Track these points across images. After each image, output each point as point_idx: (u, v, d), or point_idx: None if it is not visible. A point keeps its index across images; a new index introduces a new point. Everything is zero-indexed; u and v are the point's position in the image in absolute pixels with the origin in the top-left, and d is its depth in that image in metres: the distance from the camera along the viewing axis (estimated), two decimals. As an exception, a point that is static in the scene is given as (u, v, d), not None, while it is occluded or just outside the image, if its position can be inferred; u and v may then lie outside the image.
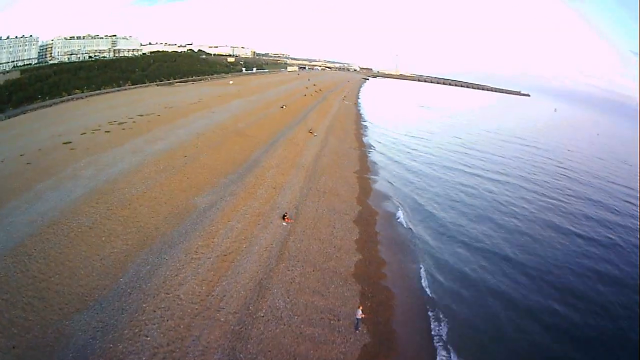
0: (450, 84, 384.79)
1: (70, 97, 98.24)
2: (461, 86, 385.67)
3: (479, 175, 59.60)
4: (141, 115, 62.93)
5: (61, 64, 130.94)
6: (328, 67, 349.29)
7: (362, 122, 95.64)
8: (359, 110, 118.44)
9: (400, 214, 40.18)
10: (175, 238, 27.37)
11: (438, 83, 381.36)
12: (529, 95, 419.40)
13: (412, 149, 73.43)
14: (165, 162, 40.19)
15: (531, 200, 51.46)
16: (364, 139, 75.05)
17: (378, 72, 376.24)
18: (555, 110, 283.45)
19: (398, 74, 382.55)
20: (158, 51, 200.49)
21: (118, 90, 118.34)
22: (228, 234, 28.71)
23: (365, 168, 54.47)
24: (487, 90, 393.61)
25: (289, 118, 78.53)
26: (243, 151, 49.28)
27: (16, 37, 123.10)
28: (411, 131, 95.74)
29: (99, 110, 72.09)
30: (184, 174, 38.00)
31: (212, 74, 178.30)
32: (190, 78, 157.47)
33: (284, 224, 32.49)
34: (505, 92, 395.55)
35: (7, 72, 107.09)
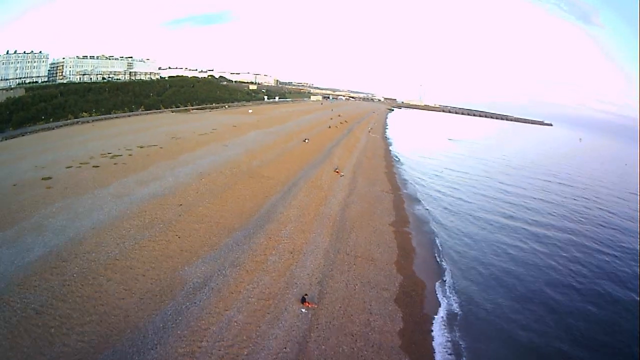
0: (473, 115, 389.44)
1: (76, 120, 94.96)
2: (484, 116, 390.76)
3: (549, 228, 50.66)
4: (141, 147, 57.43)
5: (69, 84, 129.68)
6: (352, 97, 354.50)
7: (392, 159, 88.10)
8: (388, 145, 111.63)
9: (449, 279, 32.49)
10: (150, 337, 19.97)
11: (462, 114, 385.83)
12: (551, 125, 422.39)
13: (453, 193, 64.98)
14: (153, 212, 33.43)
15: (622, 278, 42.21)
16: (397, 180, 67.21)
17: (402, 102, 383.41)
18: (580, 140, 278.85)
19: (422, 104, 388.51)
20: (177, 76, 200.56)
21: (128, 116, 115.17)
22: (223, 333, 21.02)
23: (402, 218, 46.31)
24: (510, 120, 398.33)
25: (313, 154, 71.99)
26: (255, 198, 42.24)
27: (24, 52, 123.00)
28: (447, 170, 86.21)
29: (98, 137, 67.22)
30: (175, 231, 30.96)
31: (232, 102, 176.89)
32: (208, 105, 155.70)
33: (303, 310, 24.63)
34: (529, 122, 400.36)
35: (12, 89, 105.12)
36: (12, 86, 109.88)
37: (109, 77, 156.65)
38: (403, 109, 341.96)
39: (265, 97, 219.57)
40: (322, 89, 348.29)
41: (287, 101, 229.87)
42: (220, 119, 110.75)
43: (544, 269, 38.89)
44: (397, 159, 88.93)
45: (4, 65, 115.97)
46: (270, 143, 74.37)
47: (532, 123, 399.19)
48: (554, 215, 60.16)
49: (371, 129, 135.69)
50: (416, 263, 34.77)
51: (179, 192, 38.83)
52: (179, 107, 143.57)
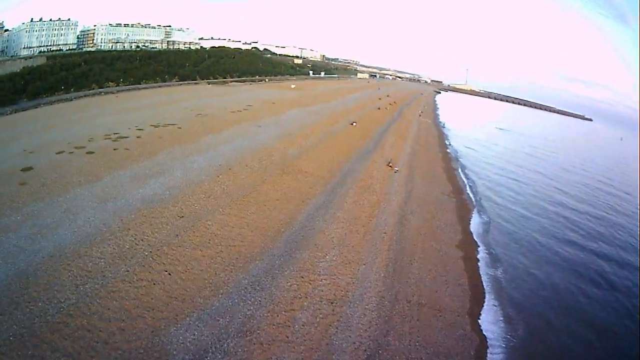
0: (517, 103, 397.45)
1: (99, 90, 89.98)
2: (528, 106, 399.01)
3: None
4: (155, 126, 49.93)
5: (96, 52, 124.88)
6: (399, 77, 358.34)
7: (447, 149, 76.97)
8: (441, 132, 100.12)
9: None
10: None
11: (506, 101, 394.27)
12: (591, 120, 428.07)
13: (523, 197, 54.80)
14: (140, 230, 25.09)
15: None
16: (457, 176, 56.63)
17: (449, 85, 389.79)
18: (621, 139, 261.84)
19: (468, 89, 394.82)
20: (218, 47, 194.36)
21: (159, 87, 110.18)
22: None
23: (467, 236, 35.63)
24: (553, 112, 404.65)
25: (361, 140, 61.76)
26: (287, 204, 33.02)
27: (51, 20, 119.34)
28: (508, 166, 76.17)
29: (113, 112, 60.77)
30: (165, 262, 22.28)
31: (274, 75, 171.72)
32: (248, 78, 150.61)
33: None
34: (571, 115, 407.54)
35: (31, 57, 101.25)
36: (30, 55, 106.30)
37: (144, 46, 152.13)
38: (449, 92, 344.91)
39: (311, 72, 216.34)
40: (368, 67, 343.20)
41: (333, 77, 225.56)
42: (259, 93, 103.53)
43: None
44: (451, 148, 79.60)
45: (28, 34, 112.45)
46: (312, 125, 65.00)
47: (573, 117, 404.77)
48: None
49: (422, 112, 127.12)
50: (486, 310, 25.32)
51: (183, 196, 30.31)
52: (217, 78, 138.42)
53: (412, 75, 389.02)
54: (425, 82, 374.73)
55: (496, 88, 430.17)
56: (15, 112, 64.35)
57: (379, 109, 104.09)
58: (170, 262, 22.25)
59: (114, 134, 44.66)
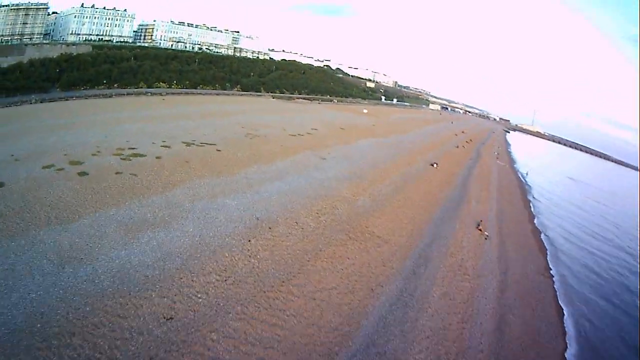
0: (580, 149, 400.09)
1: (147, 90, 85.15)
2: (593, 154, 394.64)
3: None
4: (188, 144, 41.08)
5: (149, 48, 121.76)
6: (469, 112, 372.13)
7: (530, 203, 65.59)
8: (520, 180, 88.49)
9: None
10: None
11: (569, 146, 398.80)
12: None
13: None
14: (86, 339, 14.79)
15: None
16: (545, 242, 45.95)
17: (516, 125, 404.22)
18: None
19: (535, 130, 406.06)
20: (288, 60, 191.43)
21: (217, 94, 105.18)
22: None
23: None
24: (608, 160, 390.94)
25: (444, 189, 50.84)
26: (349, 296, 21.67)
27: (104, 8, 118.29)
28: (599, 230, 64.29)
29: (144, 118, 53.39)
30: None
31: (345, 97, 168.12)
32: (317, 96, 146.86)
33: None
34: (628, 166, 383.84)
35: (73, 44, 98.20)
36: (75, 42, 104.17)
37: (207, 49, 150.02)
38: (517, 132, 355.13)
39: (383, 98, 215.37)
40: (437, 98, 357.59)
41: (405, 105, 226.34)
42: (327, 115, 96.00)
43: None
44: (533, 201, 69.30)
45: (76, 19, 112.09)
46: (387, 163, 54.40)
47: (630, 167, 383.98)
48: None
49: (498, 154, 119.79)
50: None
51: (183, 276, 19.63)
52: (283, 92, 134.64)
53: (480, 111, 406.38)
54: (494, 119, 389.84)
55: (557, 130, 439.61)
56: (41, 102, 59.51)
57: (457, 147, 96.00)
58: None
59: (130, 148, 35.83)
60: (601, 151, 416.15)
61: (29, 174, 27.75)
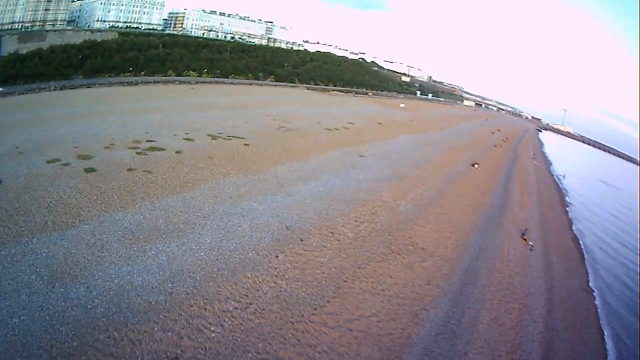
0: (608, 151, 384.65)
1: (176, 78, 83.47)
2: (621, 157, 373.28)
3: None
4: (213, 137, 38.14)
5: (178, 35, 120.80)
6: (502, 109, 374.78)
7: (567, 208, 61.21)
8: (556, 183, 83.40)
9: None
10: None
11: (598, 148, 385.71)
12: None
13: None
14: None
15: None
16: (585, 251, 42.51)
17: (547, 124, 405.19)
18: None
19: (565, 130, 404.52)
20: (323, 52, 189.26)
21: (249, 84, 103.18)
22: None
23: None
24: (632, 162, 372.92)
25: (486, 192, 46.95)
26: (390, 324, 18.04)
27: None
28: (629, 238, 58.35)
29: (167, 108, 51.24)
30: None
31: (380, 90, 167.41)
32: (352, 89, 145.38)
33: None
34: None
35: (98, 30, 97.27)
36: (101, 28, 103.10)
37: (241, 38, 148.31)
38: (548, 132, 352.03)
39: (418, 92, 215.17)
40: (471, 95, 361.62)
41: (440, 100, 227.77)
42: (363, 108, 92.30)
43: None
44: (570, 207, 64.55)
45: (102, 6, 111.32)
46: (428, 162, 50.51)
47: None
48: None
49: (534, 155, 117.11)
50: None
51: (193, 301, 16.05)
52: (317, 84, 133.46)
53: (513, 109, 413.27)
54: (527, 117, 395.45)
55: (585, 130, 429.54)
56: (60, 89, 58.27)
57: (495, 146, 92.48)
58: None
59: (148, 141, 33.00)
60: (629, 155, 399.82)
61: (30, 169, 25.15)
